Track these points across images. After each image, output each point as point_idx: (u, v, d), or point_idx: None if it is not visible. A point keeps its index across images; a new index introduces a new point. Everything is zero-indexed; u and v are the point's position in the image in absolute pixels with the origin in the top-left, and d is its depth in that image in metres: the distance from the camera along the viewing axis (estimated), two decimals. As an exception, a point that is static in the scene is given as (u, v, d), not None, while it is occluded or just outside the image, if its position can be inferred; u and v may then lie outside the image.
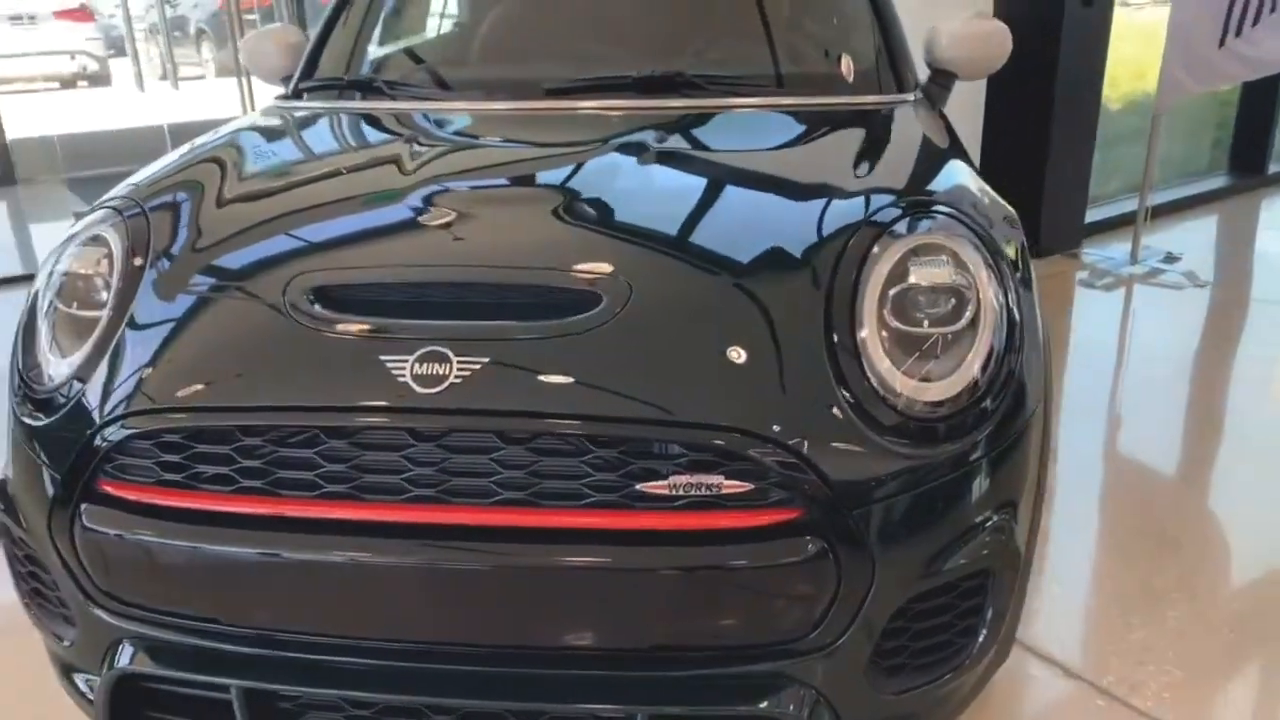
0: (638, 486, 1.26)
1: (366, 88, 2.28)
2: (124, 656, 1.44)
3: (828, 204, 1.61)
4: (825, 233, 1.53)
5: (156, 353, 1.43)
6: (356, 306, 1.41)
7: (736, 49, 2.33)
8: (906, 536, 1.34)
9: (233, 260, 1.55)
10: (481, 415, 1.29)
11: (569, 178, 1.77)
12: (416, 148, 1.83)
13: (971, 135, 4.62)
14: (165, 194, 1.72)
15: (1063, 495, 2.64)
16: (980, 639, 1.45)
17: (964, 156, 1.97)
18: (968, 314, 1.42)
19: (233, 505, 1.32)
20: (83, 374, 1.46)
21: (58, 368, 1.50)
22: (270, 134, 2.07)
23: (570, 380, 1.31)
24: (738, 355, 1.35)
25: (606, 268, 1.43)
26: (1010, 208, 1.78)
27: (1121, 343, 3.83)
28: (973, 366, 1.40)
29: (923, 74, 2.43)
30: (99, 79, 13.18)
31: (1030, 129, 4.36)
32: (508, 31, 2.48)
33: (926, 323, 1.42)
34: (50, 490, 1.42)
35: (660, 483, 1.26)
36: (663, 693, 1.34)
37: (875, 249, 1.46)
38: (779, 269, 1.49)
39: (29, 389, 1.51)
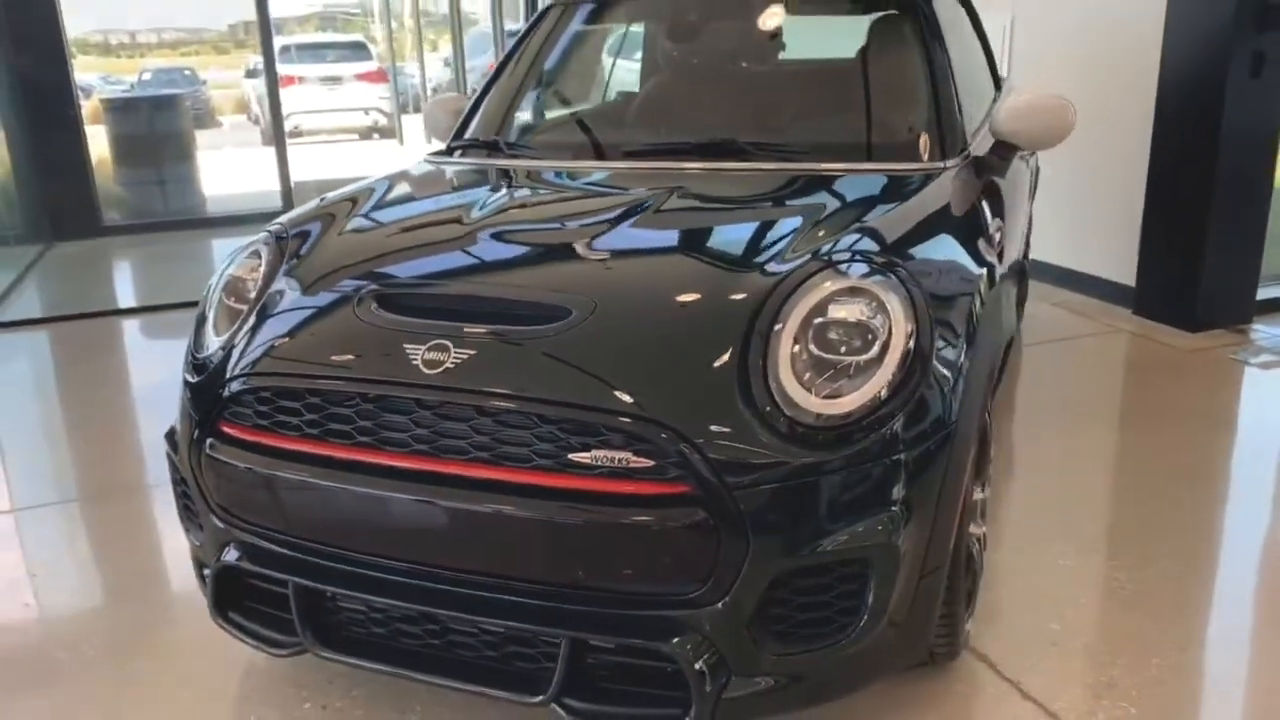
0: (569, 456, 1.65)
1: (490, 147, 2.85)
2: (229, 554, 1.97)
3: (789, 247, 1.93)
4: (777, 268, 1.86)
5: (267, 335, 1.98)
6: (399, 309, 1.90)
7: (785, 122, 2.68)
8: (779, 519, 1.64)
9: (326, 274, 2.09)
10: (463, 392, 1.73)
11: (583, 220, 2.20)
12: (488, 196, 2.34)
13: (1130, 201, 4.61)
14: (306, 223, 2.31)
15: (1190, 570, 2.62)
16: (862, 620, 1.71)
17: (973, 228, 2.21)
18: (875, 349, 1.71)
19: (296, 445, 1.83)
20: (224, 346, 2.03)
21: (213, 343, 2.08)
22: (398, 180, 2.67)
23: (532, 372, 1.72)
24: (667, 362, 1.72)
25: (581, 289, 1.85)
26: (977, 274, 2.04)
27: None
28: (868, 394, 1.69)
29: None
30: (387, 132, 15.08)
31: (1190, 201, 4.31)
32: (617, 108, 2.98)
33: (843, 349, 1.72)
34: (192, 429, 1.99)
35: (585, 454, 1.64)
36: (587, 622, 1.70)
37: (817, 280, 1.78)
38: (723, 294, 1.82)
39: (194, 357, 2.11)
